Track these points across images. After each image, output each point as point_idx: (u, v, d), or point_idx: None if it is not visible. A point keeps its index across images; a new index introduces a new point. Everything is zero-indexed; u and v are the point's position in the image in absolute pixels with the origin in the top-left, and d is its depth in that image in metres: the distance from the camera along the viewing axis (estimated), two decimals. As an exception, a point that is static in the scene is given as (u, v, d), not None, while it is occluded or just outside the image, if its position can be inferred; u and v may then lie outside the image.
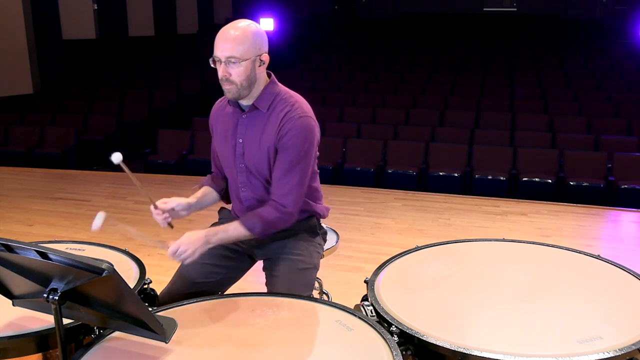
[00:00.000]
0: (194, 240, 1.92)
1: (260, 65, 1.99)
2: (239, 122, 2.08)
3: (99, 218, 1.86)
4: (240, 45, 1.91)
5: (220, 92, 2.07)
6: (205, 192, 2.24)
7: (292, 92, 2.10)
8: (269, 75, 2.08)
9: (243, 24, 1.97)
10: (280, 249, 2.15)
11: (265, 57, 1.99)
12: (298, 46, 12.95)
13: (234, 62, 1.92)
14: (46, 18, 11.28)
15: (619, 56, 11.20)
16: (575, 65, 10.80)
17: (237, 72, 1.93)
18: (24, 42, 10.75)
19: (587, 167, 6.83)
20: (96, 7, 12.30)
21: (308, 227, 2.22)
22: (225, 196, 2.29)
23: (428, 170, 7.09)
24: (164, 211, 2.04)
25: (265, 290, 2.11)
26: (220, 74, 1.95)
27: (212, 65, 1.99)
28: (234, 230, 2.01)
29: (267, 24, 13.10)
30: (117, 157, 1.90)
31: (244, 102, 2.06)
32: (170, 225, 2.08)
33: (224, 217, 2.32)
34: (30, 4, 10.77)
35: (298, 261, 2.11)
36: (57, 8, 11.70)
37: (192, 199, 2.16)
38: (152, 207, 2.04)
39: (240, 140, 2.07)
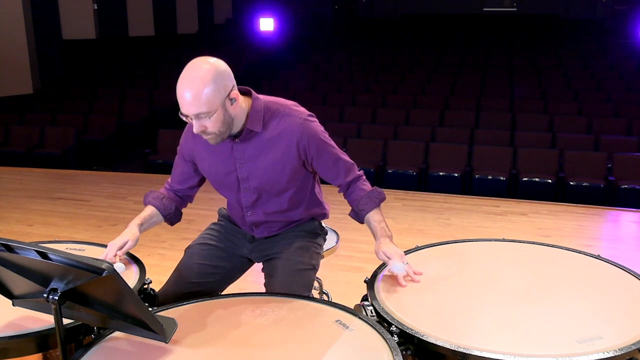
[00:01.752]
0: (396, 252, 1.94)
1: (232, 104, 1.86)
2: (232, 148, 2.01)
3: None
4: (205, 99, 1.78)
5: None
6: (151, 214, 2.16)
7: (271, 98, 2.04)
8: (249, 93, 1.98)
9: (200, 72, 1.80)
10: (279, 250, 2.15)
11: (235, 94, 1.85)
12: (298, 46, 12.93)
13: (204, 117, 1.82)
14: (46, 18, 11.28)
15: (618, 56, 11.20)
16: (575, 65, 10.80)
17: (212, 124, 1.83)
18: (24, 42, 10.75)
19: (587, 167, 6.83)
20: (96, 7, 12.29)
21: (309, 228, 2.23)
22: (171, 219, 2.21)
23: (428, 170, 7.10)
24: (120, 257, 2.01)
25: (264, 290, 2.11)
26: (195, 129, 1.85)
27: (184, 120, 1.88)
28: (380, 216, 2.09)
29: (267, 24, 13.11)
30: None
31: (231, 132, 1.96)
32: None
33: (224, 217, 2.32)
34: (30, 4, 10.76)
35: (296, 262, 2.10)
36: (57, 8, 11.69)
37: (137, 222, 2.09)
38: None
39: (241, 165, 2.03)
